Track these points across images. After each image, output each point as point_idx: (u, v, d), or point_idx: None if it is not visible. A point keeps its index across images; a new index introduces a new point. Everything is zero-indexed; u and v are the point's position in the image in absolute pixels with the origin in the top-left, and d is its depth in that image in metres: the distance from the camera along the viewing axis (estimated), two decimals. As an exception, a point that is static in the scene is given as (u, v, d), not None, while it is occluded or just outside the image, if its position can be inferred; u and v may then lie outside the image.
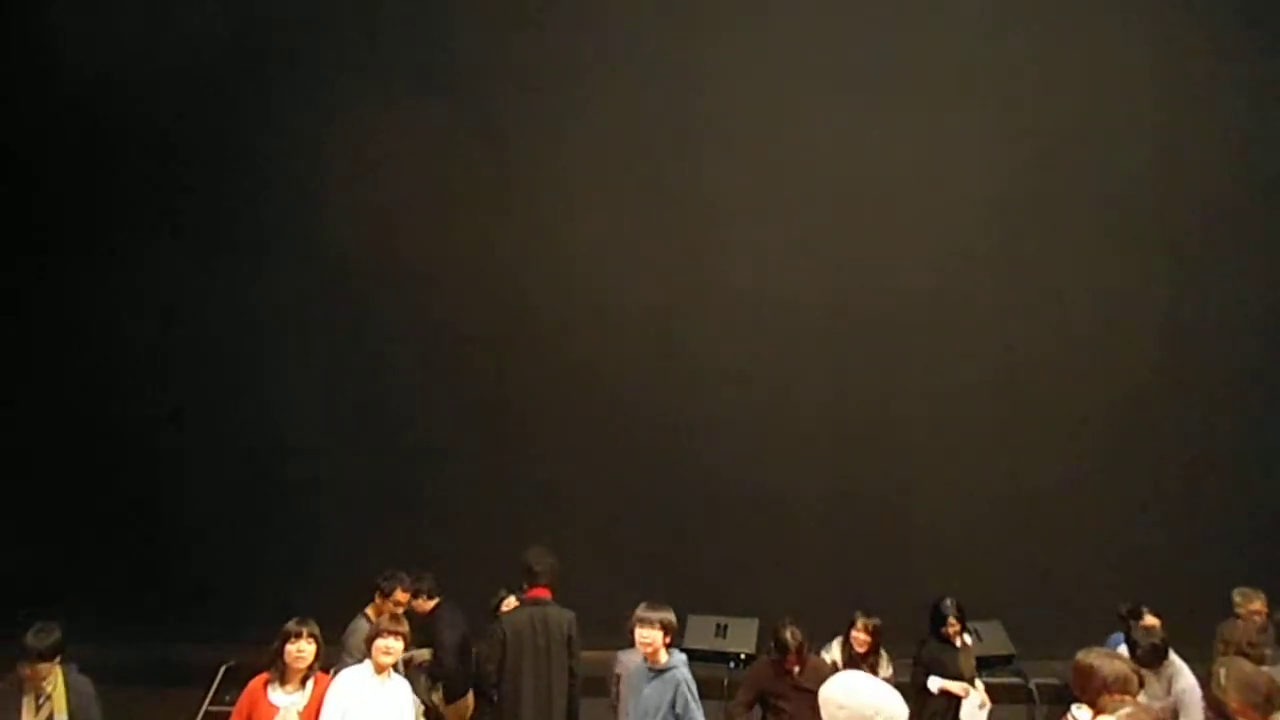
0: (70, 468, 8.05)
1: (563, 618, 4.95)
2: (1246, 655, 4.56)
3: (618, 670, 5.20)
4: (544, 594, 5.04)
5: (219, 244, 8.27)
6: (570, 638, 4.95)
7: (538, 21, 8.19)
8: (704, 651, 6.49)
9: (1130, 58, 7.85)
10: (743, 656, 6.57)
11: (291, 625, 4.33)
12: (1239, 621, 5.17)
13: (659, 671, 4.36)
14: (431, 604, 5.79)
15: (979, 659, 6.44)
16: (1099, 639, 5.02)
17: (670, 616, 4.46)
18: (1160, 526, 7.33)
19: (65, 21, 8.24)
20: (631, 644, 4.67)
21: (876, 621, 5.49)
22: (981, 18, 7.90)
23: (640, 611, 4.44)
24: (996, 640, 6.70)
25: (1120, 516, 7.43)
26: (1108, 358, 7.68)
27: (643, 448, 7.86)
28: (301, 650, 4.20)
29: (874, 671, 5.12)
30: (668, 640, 4.41)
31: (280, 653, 4.21)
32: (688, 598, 6.32)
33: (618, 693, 5.21)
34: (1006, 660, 6.62)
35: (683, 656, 4.47)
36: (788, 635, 4.88)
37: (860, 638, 5.48)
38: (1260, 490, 7.42)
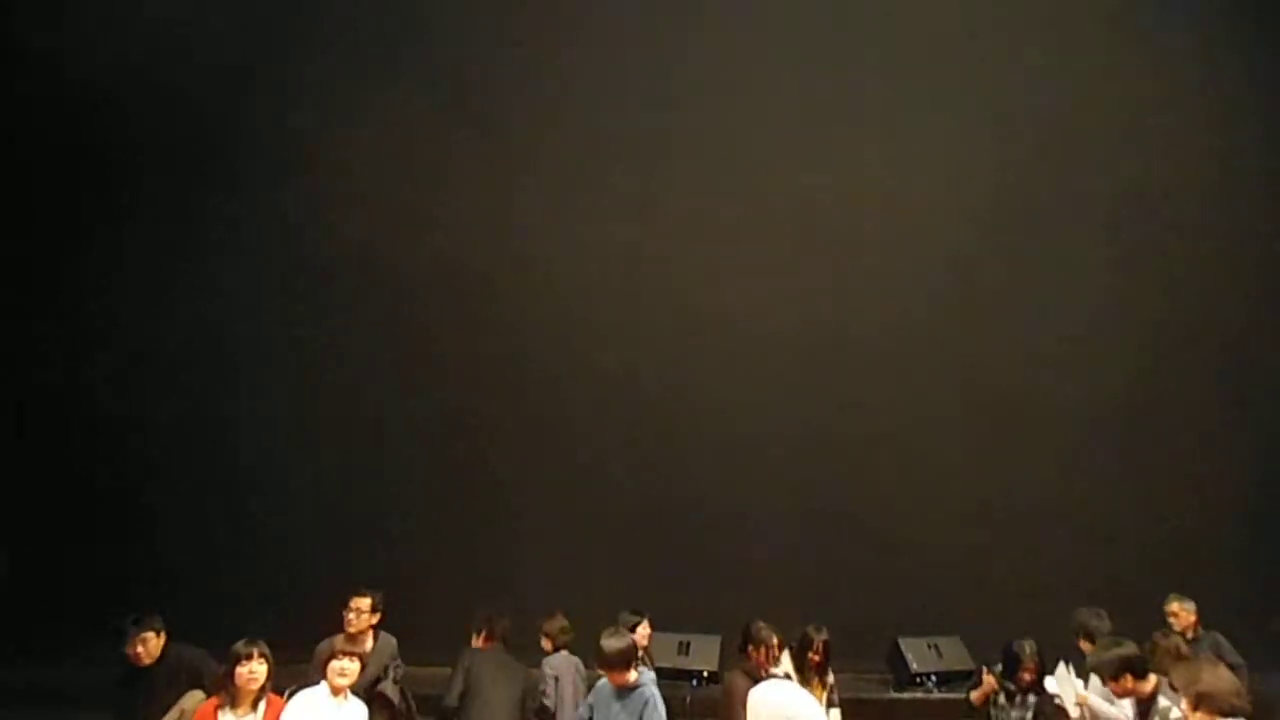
0: (28, 481, 7.77)
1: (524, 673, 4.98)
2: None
3: (550, 673, 5.17)
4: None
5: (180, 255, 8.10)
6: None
7: (521, 39, 8.26)
8: (666, 669, 6.39)
9: (1091, 85, 8.05)
10: (705, 674, 6.49)
11: (241, 646, 4.15)
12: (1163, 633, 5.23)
13: (628, 690, 4.30)
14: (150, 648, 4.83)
15: (940, 674, 6.51)
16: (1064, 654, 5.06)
17: (634, 640, 4.50)
18: (1131, 545, 7.46)
19: (53, 19, 8.06)
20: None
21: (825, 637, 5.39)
22: (954, 47, 8.08)
23: (608, 641, 4.39)
24: (956, 655, 6.75)
25: (1091, 534, 7.57)
26: (1080, 376, 7.83)
27: (608, 466, 7.83)
28: (253, 672, 4.03)
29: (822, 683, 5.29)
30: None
31: (231, 675, 4.03)
32: (650, 615, 6.24)
33: (550, 694, 5.17)
34: (965, 675, 6.65)
35: (651, 675, 4.47)
36: (765, 632, 4.95)
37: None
38: (1235, 503, 7.61)
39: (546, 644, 5.47)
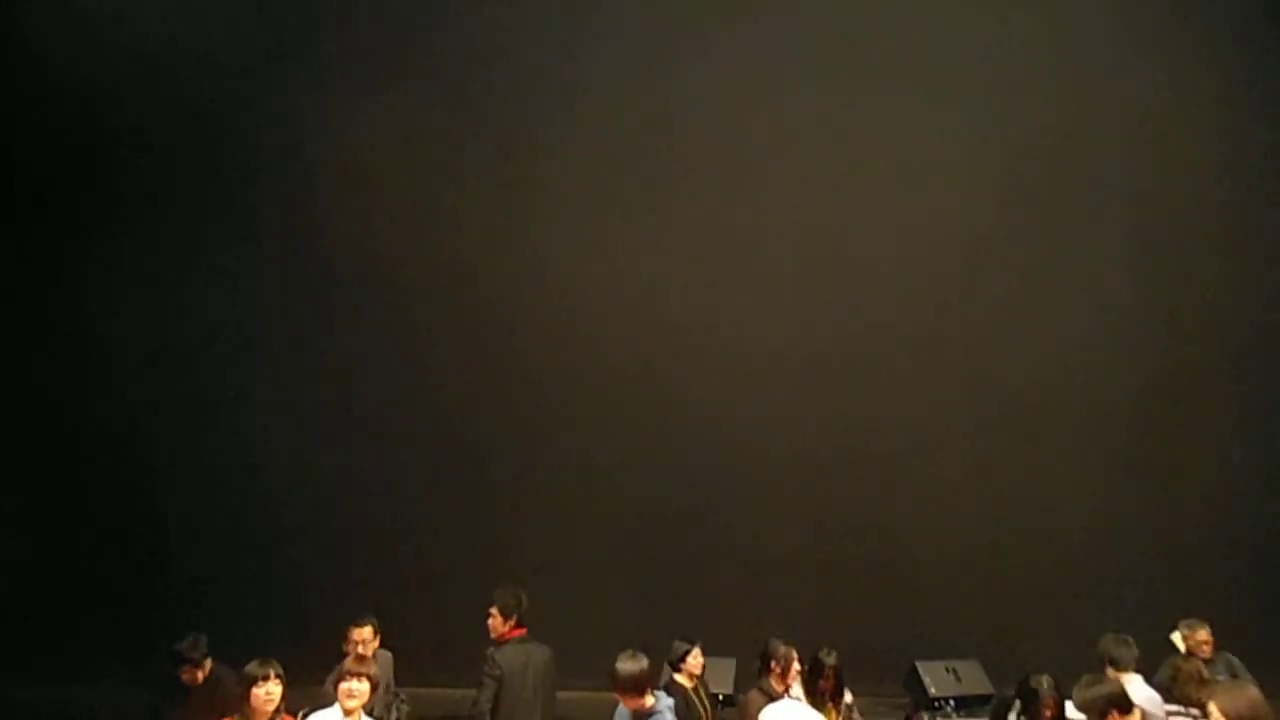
0: (29, 491, 7.80)
1: (546, 655, 4.85)
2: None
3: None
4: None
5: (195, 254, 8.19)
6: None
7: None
8: (681, 691, 6.32)
9: (1101, 92, 7.92)
10: (720, 697, 6.40)
11: (255, 667, 4.10)
12: (1183, 658, 5.19)
13: (644, 716, 4.24)
14: (206, 671, 5.00)
15: (959, 699, 6.40)
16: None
17: (649, 664, 4.40)
18: (1152, 563, 7.32)
19: (56, 17, 8.12)
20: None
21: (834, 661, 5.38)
22: (961, 56, 8.00)
23: (623, 664, 4.32)
24: (975, 679, 6.64)
25: (1112, 552, 7.44)
26: (1095, 390, 7.71)
27: (619, 483, 7.77)
28: (269, 693, 3.97)
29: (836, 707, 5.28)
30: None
31: (246, 697, 3.98)
32: (664, 638, 6.17)
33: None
34: (984, 700, 6.54)
35: (669, 701, 4.39)
36: (784, 649, 5.02)
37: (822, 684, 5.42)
38: (1249, 525, 7.44)
39: None
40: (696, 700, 5.33)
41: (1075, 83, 7.89)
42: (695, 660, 5.38)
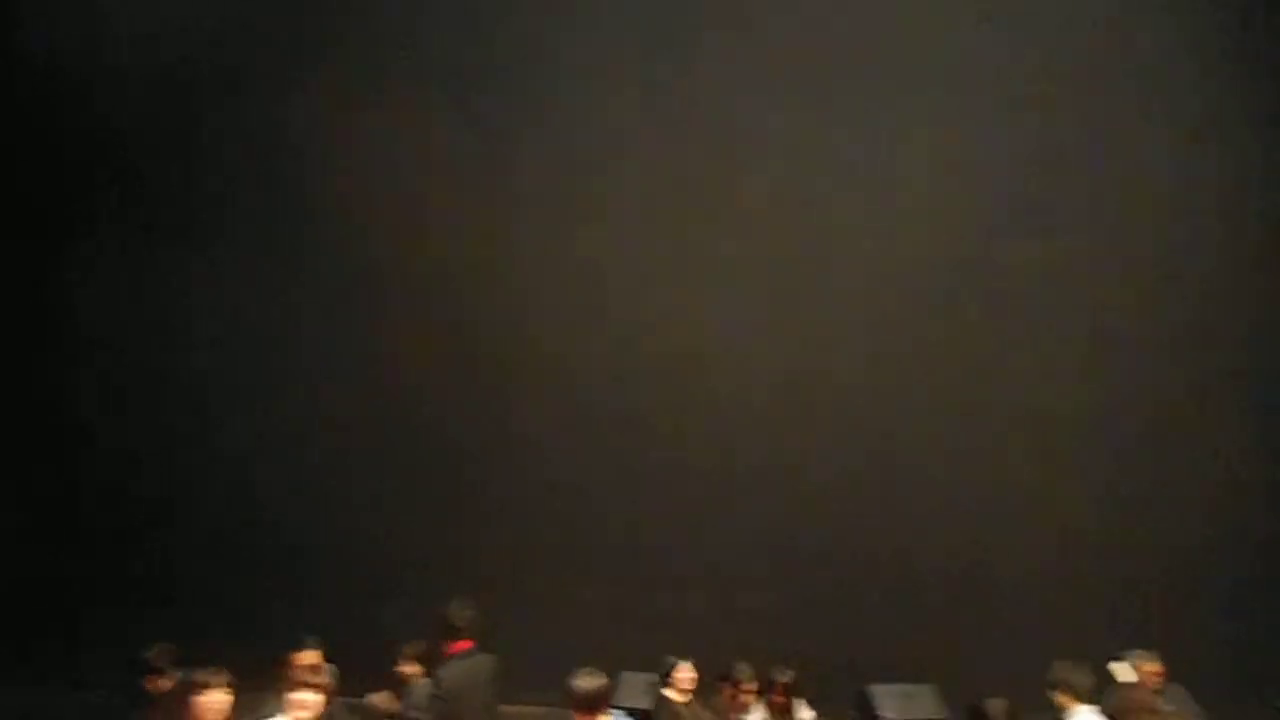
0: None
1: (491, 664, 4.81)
2: None
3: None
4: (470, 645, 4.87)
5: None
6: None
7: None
8: (639, 710, 6.29)
9: (1090, 96, 7.84)
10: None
11: (203, 675, 4.07)
12: (1134, 687, 5.25)
13: (600, 734, 4.22)
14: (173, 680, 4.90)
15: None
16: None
17: (607, 682, 4.39)
18: (1119, 593, 7.30)
19: (55, 14, 8.04)
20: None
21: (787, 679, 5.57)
22: (947, 62, 7.97)
23: (580, 682, 4.29)
24: (928, 704, 6.67)
25: (1077, 581, 7.43)
26: (1068, 410, 7.65)
27: (587, 501, 7.75)
28: (218, 701, 3.91)
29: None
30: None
31: (191, 704, 3.91)
32: (620, 654, 6.14)
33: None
34: (935, 724, 6.58)
35: None
36: (741, 673, 5.20)
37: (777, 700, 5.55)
38: (1248, 563, 7.38)
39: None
40: (690, 716, 5.33)
41: (1079, 88, 7.82)
42: (684, 674, 5.41)
